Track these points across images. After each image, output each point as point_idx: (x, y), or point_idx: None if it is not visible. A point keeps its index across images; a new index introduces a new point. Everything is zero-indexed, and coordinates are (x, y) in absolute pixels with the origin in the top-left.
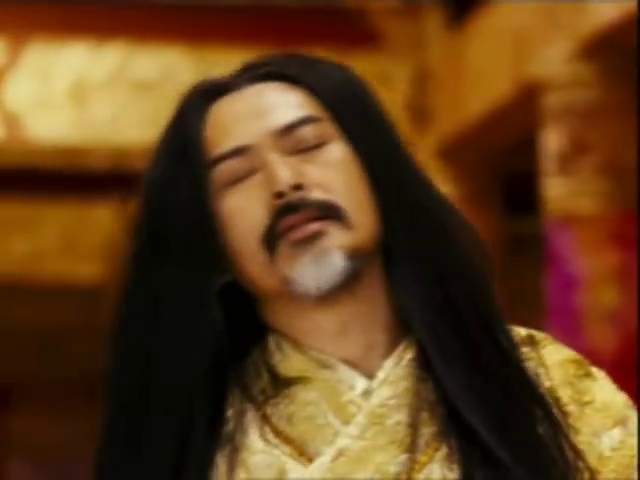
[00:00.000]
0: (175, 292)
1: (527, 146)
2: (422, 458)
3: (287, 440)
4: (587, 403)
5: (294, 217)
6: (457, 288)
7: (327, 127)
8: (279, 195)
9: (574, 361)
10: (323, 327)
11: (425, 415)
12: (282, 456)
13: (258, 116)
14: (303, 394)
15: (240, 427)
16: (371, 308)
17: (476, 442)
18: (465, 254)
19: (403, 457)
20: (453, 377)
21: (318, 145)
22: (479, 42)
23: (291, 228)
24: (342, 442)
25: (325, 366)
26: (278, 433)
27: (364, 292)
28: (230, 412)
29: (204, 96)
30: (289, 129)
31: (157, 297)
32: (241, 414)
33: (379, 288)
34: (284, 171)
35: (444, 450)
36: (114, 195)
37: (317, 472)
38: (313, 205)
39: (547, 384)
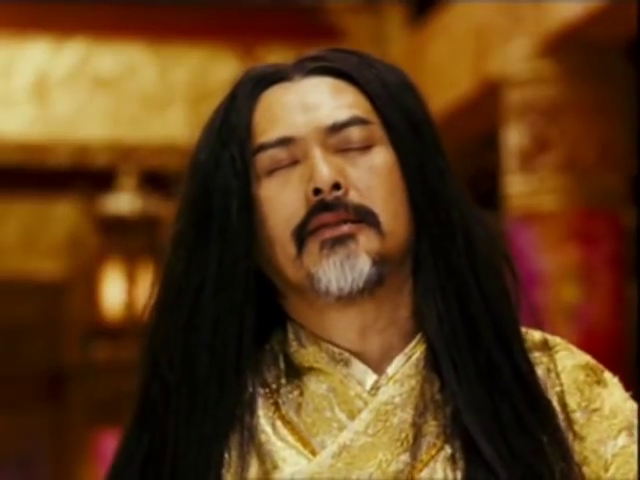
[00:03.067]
0: (212, 272)
1: (489, 143)
2: (424, 457)
3: (294, 430)
4: (595, 410)
5: (328, 216)
6: (477, 305)
7: (375, 130)
8: (316, 192)
9: (586, 367)
10: (341, 326)
11: (429, 415)
12: (282, 449)
13: (308, 109)
14: (314, 385)
15: (250, 411)
16: (391, 311)
17: (478, 447)
18: (489, 272)
19: (405, 455)
20: (462, 390)
21: (363, 148)
22: (440, 39)
23: (323, 226)
24: (345, 438)
25: (339, 360)
26: (286, 422)
27: (386, 296)
28: (245, 395)
29: (257, 82)
30: (337, 128)
31: (193, 275)
32: (253, 399)
33: (403, 292)
34: (325, 168)
35: (447, 451)
36: (75, 191)
37: (318, 467)
38: (348, 207)
39: (557, 389)
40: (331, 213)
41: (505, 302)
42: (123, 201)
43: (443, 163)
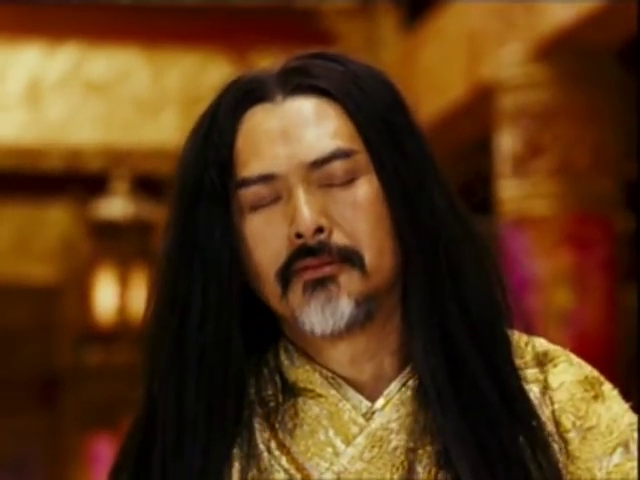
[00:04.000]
0: (196, 304)
1: (482, 147)
2: None
3: (288, 453)
4: (590, 428)
5: (310, 260)
6: (462, 337)
7: (358, 160)
8: (299, 236)
9: (584, 382)
10: (333, 356)
11: (426, 440)
12: (278, 474)
13: (289, 140)
14: (307, 408)
15: (247, 430)
16: (382, 339)
17: None
18: (477, 298)
19: None
20: (449, 424)
21: (347, 181)
22: (433, 43)
23: (306, 269)
24: (340, 465)
25: (332, 384)
26: (281, 445)
27: (377, 328)
28: (245, 413)
29: (239, 100)
30: (319, 163)
31: (178, 304)
32: (251, 416)
33: (393, 317)
34: (307, 212)
35: (444, 475)
36: (68, 196)
37: None
38: (332, 250)
39: (552, 408)
40: (314, 258)
41: (495, 327)
42: (116, 205)
43: (431, 180)
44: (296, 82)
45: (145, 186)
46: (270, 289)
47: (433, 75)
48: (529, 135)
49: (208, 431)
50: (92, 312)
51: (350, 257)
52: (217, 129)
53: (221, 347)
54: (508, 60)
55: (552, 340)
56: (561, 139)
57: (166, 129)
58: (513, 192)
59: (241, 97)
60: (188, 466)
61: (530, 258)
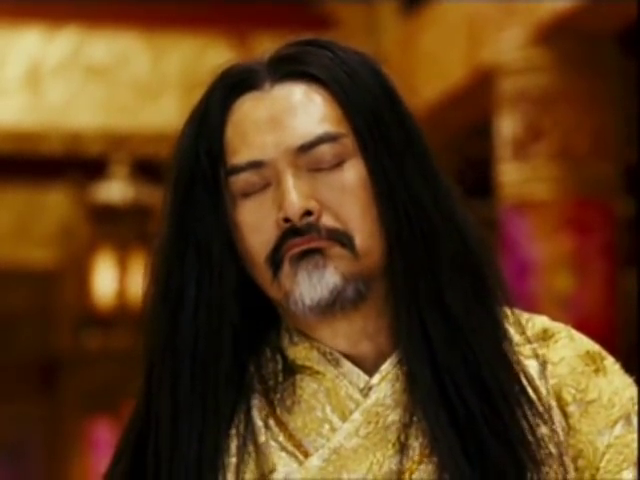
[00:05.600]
0: (190, 294)
1: (482, 131)
2: (417, 458)
3: (286, 430)
4: (591, 402)
5: (299, 240)
6: (442, 327)
7: (346, 144)
8: (287, 220)
9: (585, 356)
10: (328, 334)
11: (420, 415)
12: (276, 450)
13: (277, 127)
14: (306, 384)
15: (246, 407)
16: (380, 321)
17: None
18: (459, 290)
19: (397, 457)
20: (430, 412)
21: (335, 165)
22: (433, 28)
23: (294, 246)
24: (336, 441)
25: (330, 360)
26: (279, 422)
27: (374, 308)
28: (244, 390)
29: (229, 90)
30: (306, 147)
31: (173, 293)
32: (250, 393)
33: (388, 301)
34: (295, 196)
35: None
36: (67, 180)
37: (309, 471)
38: (321, 231)
39: (552, 382)
40: (302, 237)
41: (479, 311)
42: (115, 189)
43: (414, 170)
44: (285, 69)
45: (145, 170)
46: (262, 275)
47: (433, 60)
48: (529, 119)
49: (203, 419)
50: (91, 296)
51: (339, 238)
52: (208, 119)
53: (215, 335)
54: (508, 44)
55: None
56: (561, 123)
57: (166, 113)
58: (513, 176)
59: (231, 87)
60: (184, 455)
61: (530, 242)
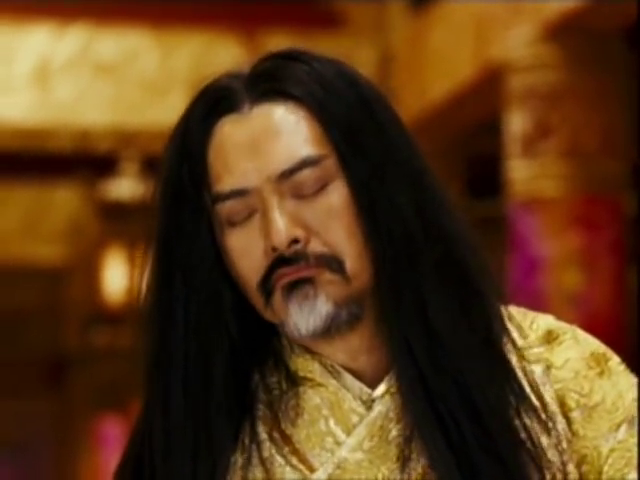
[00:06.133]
0: (180, 316)
1: (491, 129)
2: (419, 470)
3: (290, 443)
4: (595, 406)
5: (288, 269)
6: (426, 347)
7: (328, 166)
8: (274, 249)
9: (589, 358)
10: (328, 352)
11: (417, 434)
12: (281, 465)
13: (258, 154)
14: (308, 397)
15: (250, 419)
16: (378, 337)
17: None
18: (443, 304)
19: (400, 471)
20: (426, 433)
21: (319, 189)
22: (442, 24)
23: (284, 276)
24: (340, 455)
25: (331, 372)
26: (283, 435)
27: (370, 325)
28: (248, 400)
29: (208, 110)
30: (288, 173)
31: (162, 316)
32: (254, 403)
33: (381, 318)
34: (281, 225)
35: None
36: (76, 177)
37: None
38: (309, 258)
39: (556, 387)
40: (291, 267)
41: (469, 328)
42: (124, 187)
43: (403, 174)
44: (262, 88)
45: (154, 167)
46: (256, 299)
47: (442, 57)
48: (538, 116)
49: (194, 453)
50: (100, 293)
51: (329, 263)
52: (190, 142)
53: (205, 363)
54: (517, 42)
55: (562, 321)
56: (570, 120)
57: (175, 110)
58: (522, 173)
59: (210, 108)
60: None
61: (539, 239)
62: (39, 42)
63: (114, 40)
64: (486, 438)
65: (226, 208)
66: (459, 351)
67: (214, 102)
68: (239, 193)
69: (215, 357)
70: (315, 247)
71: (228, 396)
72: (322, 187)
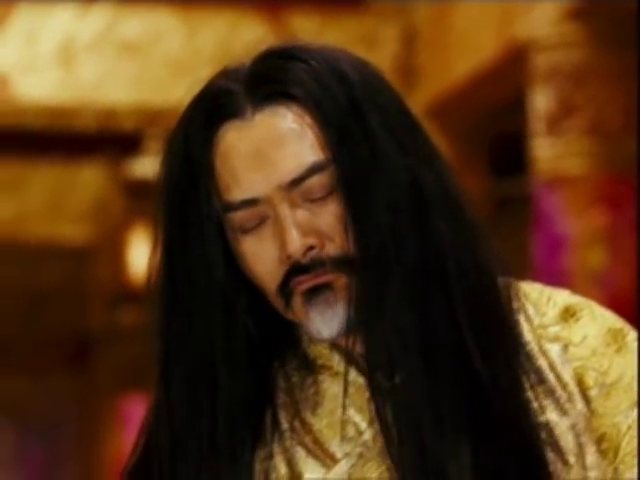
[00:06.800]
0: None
1: (515, 107)
2: None
3: (311, 432)
4: (613, 384)
5: (305, 277)
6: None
7: (333, 171)
8: (290, 257)
9: (607, 335)
10: (348, 346)
11: None
12: (303, 455)
13: (265, 164)
14: (327, 386)
15: (272, 410)
16: None
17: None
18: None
19: None
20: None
21: (327, 193)
22: (466, 4)
23: (302, 282)
24: (362, 443)
25: (350, 361)
26: (304, 423)
27: None
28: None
29: (208, 117)
30: (297, 181)
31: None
32: (275, 391)
33: None
34: (294, 234)
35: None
36: (101, 156)
37: (337, 476)
38: (325, 263)
39: (574, 365)
40: (308, 275)
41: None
42: (149, 165)
43: (392, 188)
44: (263, 91)
45: None
46: (276, 301)
47: (466, 36)
48: (562, 95)
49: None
50: (125, 272)
51: (345, 266)
52: (191, 150)
53: (210, 373)
54: (542, 19)
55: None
56: (594, 99)
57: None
58: (546, 152)
59: (210, 114)
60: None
61: (563, 218)
62: (64, 21)
63: (139, 19)
64: (502, 422)
65: (237, 217)
66: (472, 336)
67: (215, 107)
68: (249, 203)
69: (226, 357)
70: (330, 250)
71: (246, 392)
72: (331, 191)
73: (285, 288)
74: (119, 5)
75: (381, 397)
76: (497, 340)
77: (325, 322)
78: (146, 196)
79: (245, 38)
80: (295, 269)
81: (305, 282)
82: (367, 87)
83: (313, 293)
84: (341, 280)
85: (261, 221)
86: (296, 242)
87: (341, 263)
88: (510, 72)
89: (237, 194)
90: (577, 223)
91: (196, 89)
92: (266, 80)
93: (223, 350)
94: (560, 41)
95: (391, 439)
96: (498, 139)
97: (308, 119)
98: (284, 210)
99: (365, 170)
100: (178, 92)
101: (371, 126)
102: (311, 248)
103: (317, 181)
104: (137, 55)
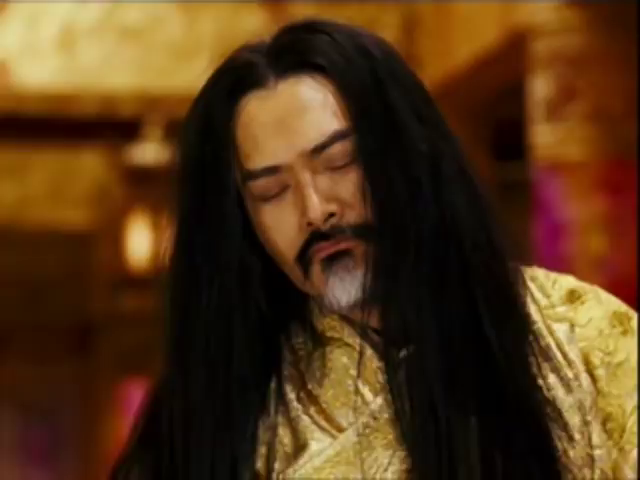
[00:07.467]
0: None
1: (515, 93)
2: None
3: (317, 403)
4: (619, 364)
5: (325, 244)
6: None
7: (354, 141)
8: (310, 224)
9: (612, 317)
10: (363, 320)
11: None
12: (309, 424)
13: (287, 131)
14: (335, 357)
15: (278, 381)
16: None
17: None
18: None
19: None
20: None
21: (349, 161)
22: None
23: (322, 250)
24: (369, 414)
25: (359, 333)
26: (310, 395)
27: None
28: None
29: (231, 87)
30: (320, 149)
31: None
32: (280, 364)
33: None
34: (316, 201)
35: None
36: (102, 141)
37: (343, 446)
38: (345, 230)
39: (581, 345)
40: (328, 241)
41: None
42: (149, 151)
43: (410, 162)
44: (286, 61)
45: (178, 132)
46: (293, 273)
47: (467, 20)
48: (563, 80)
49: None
50: (126, 258)
51: (365, 233)
52: (213, 120)
53: (228, 341)
54: (542, 5)
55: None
56: (595, 84)
57: (200, 75)
58: (547, 137)
59: (233, 84)
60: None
61: (564, 203)
62: (64, 7)
63: (139, 5)
64: (507, 405)
65: (257, 185)
66: (474, 320)
67: (237, 78)
68: (271, 170)
69: (237, 330)
70: (350, 218)
71: (255, 364)
72: (352, 160)
73: (304, 256)
74: None
75: (394, 365)
76: (508, 314)
77: (344, 288)
78: (146, 182)
79: (245, 25)
80: (315, 236)
81: (325, 249)
82: (388, 62)
83: (332, 260)
84: (360, 248)
85: (282, 189)
86: (317, 208)
87: (360, 231)
88: (511, 58)
89: (259, 162)
90: (578, 209)
91: (200, 78)
92: (290, 51)
93: (240, 321)
94: (560, 27)
95: (402, 407)
96: (500, 124)
97: (331, 88)
98: (306, 177)
99: (385, 140)
100: (178, 78)
101: (392, 98)
102: (331, 215)
103: (339, 149)
104: (137, 41)
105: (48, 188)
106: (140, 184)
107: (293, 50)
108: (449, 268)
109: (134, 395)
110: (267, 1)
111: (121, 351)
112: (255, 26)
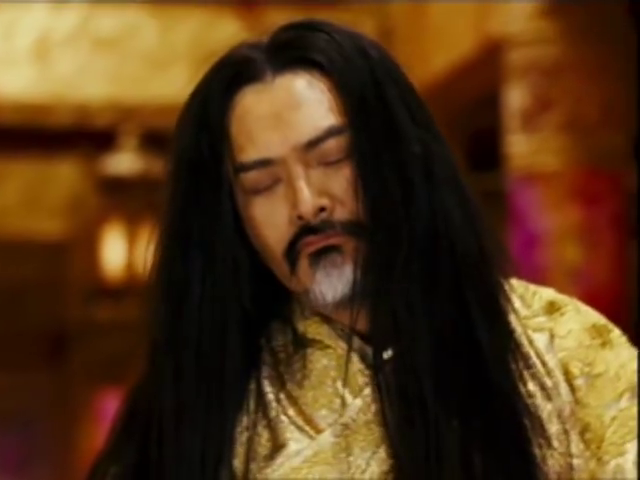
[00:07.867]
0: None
1: (492, 102)
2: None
3: (296, 404)
4: (598, 375)
5: (314, 238)
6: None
7: (349, 136)
8: (300, 217)
9: (592, 329)
10: (348, 320)
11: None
12: (287, 425)
13: (282, 124)
14: (316, 359)
15: (257, 382)
16: None
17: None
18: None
19: None
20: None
21: (342, 158)
22: None
23: (310, 244)
24: (348, 416)
25: (340, 335)
26: (289, 396)
27: None
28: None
29: (229, 81)
30: (314, 143)
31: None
32: (260, 366)
33: None
34: (307, 194)
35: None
36: (77, 151)
37: (321, 447)
38: (335, 226)
39: (560, 355)
40: (317, 236)
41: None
42: (124, 161)
43: (403, 163)
44: (284, 57)
45: (154, 142)
46: (280, 268)
47: (441, 30)
48: (538, 90)
49: (207, 419)
50: (101, 268)
51: (355, 230)
52: (209, 113)
53: (220, 332)
54: (517, 15)
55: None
56: (570, 94)
57: (175, 84)
58: (522, 147)
59: (231, 78)
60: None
61: (539, 213)
62: (39, 16)
63: (114, 14)
64: (491, 407)
65: (250, 178)
66: (465, 321)
67: (235, 73)
68: (263, 163)
69: (229, 326)
70: (341, 214)
71: (239, 363)
72: (346, 156)
73: (292, 250)
74: (94, 1)
75: (379, 365)
76: (496, 318)
77: (331, 283)
78: (121, 192)
79: (220, 34)
80: (305, 230)
81: (314, 243)
82: (385, 63)
83: (320, 255)
84: (350, 244)
85: (274, 182)
86: (308, 202)
87: (351, 227)
88: (486, 68)
89: (252, 154)
90: (553, 219)
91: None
92: (289, 47)
93: (234, 316)
94: (535, 37)
95: (389, 406)
96: (475, 134)
97: (329, 85)
98: (298, 170)
99: (380, 138)
100: (154, 88)
101: (388, 98)
102: (322, 210)
103: (333, 145)
104: (112, 51)
105: (23, 197)
106: (115, 194)
107: (292, 46)
108: (440, 268)
109: (109, 404)
110: (242, 9)
111: (96, 360)
112: (230, 34)
